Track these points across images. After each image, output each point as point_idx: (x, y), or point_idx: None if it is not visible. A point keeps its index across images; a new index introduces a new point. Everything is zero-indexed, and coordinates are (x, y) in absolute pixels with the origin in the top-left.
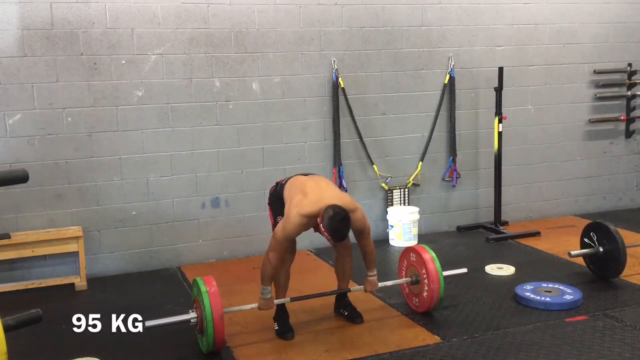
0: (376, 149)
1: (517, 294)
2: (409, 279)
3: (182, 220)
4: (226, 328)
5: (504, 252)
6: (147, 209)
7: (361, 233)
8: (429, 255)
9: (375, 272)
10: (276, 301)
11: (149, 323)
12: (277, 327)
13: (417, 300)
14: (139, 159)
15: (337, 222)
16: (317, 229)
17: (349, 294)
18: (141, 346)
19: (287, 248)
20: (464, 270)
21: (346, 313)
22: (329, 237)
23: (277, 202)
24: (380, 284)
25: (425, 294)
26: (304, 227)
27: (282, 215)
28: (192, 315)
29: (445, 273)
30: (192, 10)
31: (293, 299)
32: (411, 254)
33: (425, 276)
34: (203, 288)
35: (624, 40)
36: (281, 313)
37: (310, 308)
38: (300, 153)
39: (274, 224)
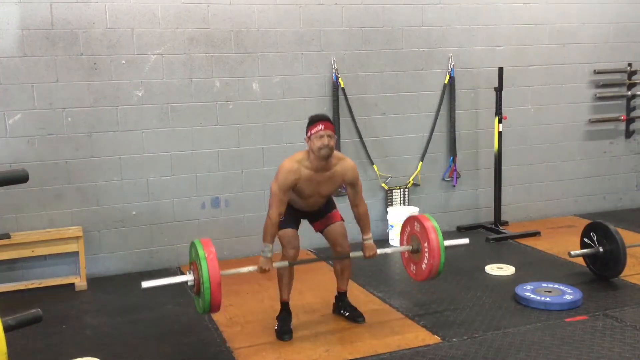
0: (376, 149)
1: (517, 294)
2: (409, 247)
3: (182, 220)
4: (226, 324)
5: (504, 252)
6: (147, 209)
7: (354, 187)
8: (431, 224)
9: (371, 236)
10: (275, 264)
11: (145, 284)
12: (276, 327)
13: (415, 268)
14: (139, 159)
15: (316, 114)
16: (310, 180)
17: (347, 294)
18: (141, 346)
19: (283, 201)
20: (466, 240)
21: (347, 314)
22: (314, 132)
23: None
24: (379, 251)
25: (425, 263)
26: (293, 173)
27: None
28: (189, 277)
29: (447, 243)
30: (192, 10)
31: (291, 264)
32: (414, 222)
33: (426, 245)
34: (201, 253)
35: (624, 40)
36: (284, 314)
37: (310, 308)
38: None
39: None
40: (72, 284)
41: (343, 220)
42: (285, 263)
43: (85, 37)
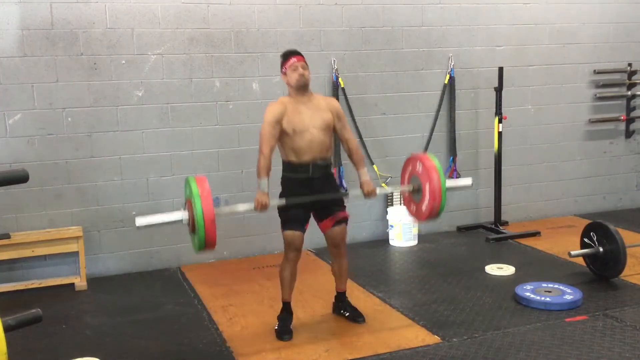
0: (376, 149)
1: (517, 294)
2: (410, 187)
3: None
4: (226, 324)
5: (504, 252)
6: (147, 209)
7: (340, 118)
8: (432, 163)
9: (367, 171)
10: (272, 202)
11: (139, 221)
12: (276, 327)
13: (415, 208)
14: (139, 159)
15: (287, 50)
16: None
17: (347, 294)
18: (141, 346)
19: (273, 134)
20: (469, 181)
21: (347, 314)
22: (289, 65)
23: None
24: (378, 191)
25: (425, 203)
26: (278, 105)
27: (285, 217)
28: (184, 215)
29: (449, 183)
30: (192, 10)
31: (289, 203)
32: (416, 162)
33: (427, 185)
34: (195, 190)
35: (624, 40)
36: (285, 314)
37: (311, 308)
38: None
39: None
40: (72, 284)
41: (348, 219)
42: (283, 201)
43: (85, 37)
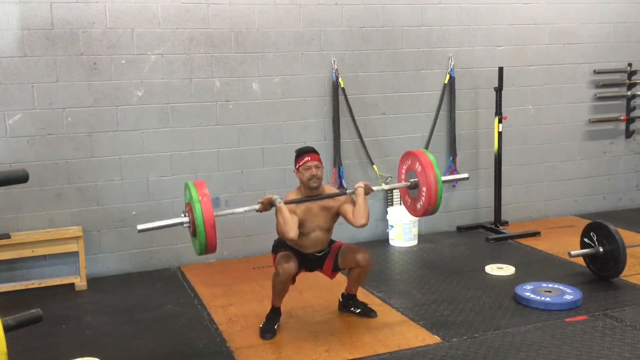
0: (376, 149)
1: (517, 294)
2: (407, 184)
3: None
4: (226, 324)
5: (504, 252)
6: (147, 209)
7: (351, 202)
8: (428, 159)
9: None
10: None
11: (141, 226)
12: (261, 325)
13: (412, 203)
14: (139, 159)
15: (301, 147)
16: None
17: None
18: (141, 346)
19: (294, 219)
20: (465, 175)
21: (358, 310)
22: (302, 164)
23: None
24: (375, 188)
25: (422, 200)
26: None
27: (283, 249)
28: (184, 219)
29: (445, 178)
30: (192, 10)
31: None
32: (412, 158)
33: (423, 181)
34: (195, 196)
35: (624, 40)
36: (273, 314)
37: (311, 308)
38: None
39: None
40: (72, 284)
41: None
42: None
43: (85, 37)
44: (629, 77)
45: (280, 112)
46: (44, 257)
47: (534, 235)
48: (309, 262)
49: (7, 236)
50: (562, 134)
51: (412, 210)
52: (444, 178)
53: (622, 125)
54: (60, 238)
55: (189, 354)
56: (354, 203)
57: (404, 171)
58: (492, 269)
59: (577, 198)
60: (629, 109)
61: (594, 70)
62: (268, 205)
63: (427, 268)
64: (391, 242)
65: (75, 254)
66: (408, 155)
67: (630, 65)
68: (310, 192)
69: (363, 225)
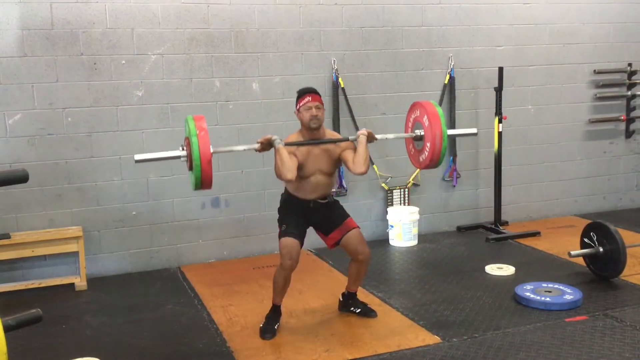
0: (376, 149)
1: (517, 294)
2: (412, 134)
3: (182, 220)
4: (226, 324)
5: (504, 252)
6: (147, 209)
7: (353, 149)
8: (434, 109)
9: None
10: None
11: (138, 156)
12: (261, 325)
13: (416, 154)
14: None
15: (303, 87)
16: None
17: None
18: (141, 346)
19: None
20: (474, 130)
21: (358, 310)
22: (303, 104)
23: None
24: (379, 136)
25: (426, 150)
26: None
27: (285, 223)
28: (182, 152)
29: (451, 131)
30: (192, 10)
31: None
32: (419, 109)
33: (428, 132)
34: (193, 130)
35: (624, 40)
36: (273, 314)
37: (311, 308)
38: None
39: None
40: (72, 284)
41: (358, 227)
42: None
43: (85, 37)
44: (629, 77)
45: (280, 112)
46: (44, 257)
47: (534, 235)
48: (314, 213)
49: (7, 236)
50: (562, 134)
51: (416, 162)
52: (449, 132)
53: (622, 125)
54: (60, 238)
55: (189, 354)
56: (355, 150)
57: (411, 120)
58: (492, 269)
59: (577, 198)
60: (629, 109)
61: (594, 70)
62: (267, 145)
63: (427, 268)
64: (391, 242)
65: (75, 254)
66: (416, 106)
67: (630, 65)
68: (311, 134)
69: (362, 173)
